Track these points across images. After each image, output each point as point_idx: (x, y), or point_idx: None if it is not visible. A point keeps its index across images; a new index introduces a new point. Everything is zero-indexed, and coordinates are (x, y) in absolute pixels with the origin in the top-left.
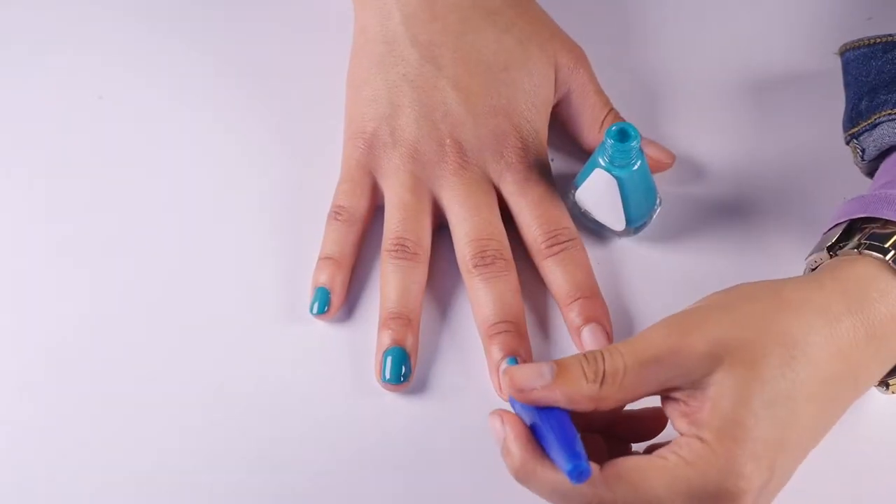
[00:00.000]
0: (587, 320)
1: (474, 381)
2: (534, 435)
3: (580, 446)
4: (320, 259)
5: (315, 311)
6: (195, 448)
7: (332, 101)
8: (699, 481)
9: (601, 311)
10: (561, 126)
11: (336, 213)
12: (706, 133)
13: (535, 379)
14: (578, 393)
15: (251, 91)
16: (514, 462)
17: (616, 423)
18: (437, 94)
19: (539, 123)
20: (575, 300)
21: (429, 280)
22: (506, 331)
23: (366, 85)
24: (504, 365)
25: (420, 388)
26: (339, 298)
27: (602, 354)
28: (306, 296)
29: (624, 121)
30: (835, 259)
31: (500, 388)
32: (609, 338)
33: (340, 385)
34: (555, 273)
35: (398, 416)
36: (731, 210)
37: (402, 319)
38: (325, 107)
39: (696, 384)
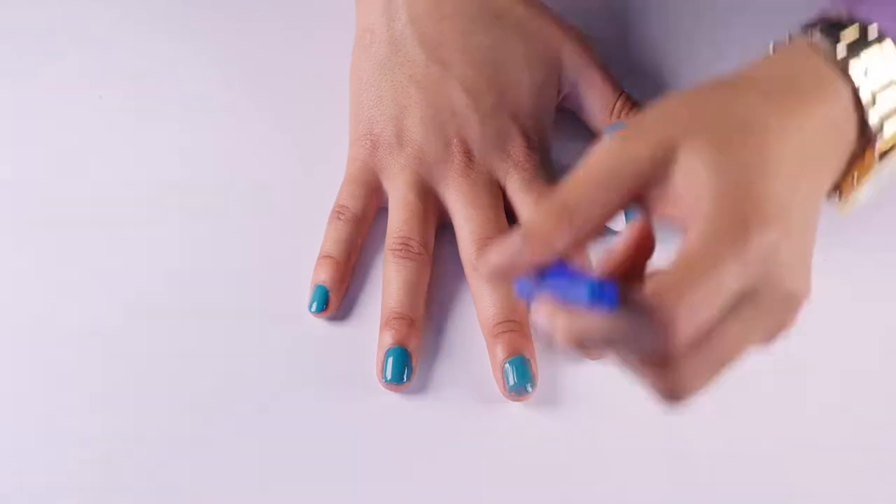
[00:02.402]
0: None
1: (477, 381)
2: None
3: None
4: (320, 257)
5: (314, 309)
6: (194, 446)
7: (335, 101)
8: (727, 221)
9: None
10: (574, 116)
11: (339, 212)
12: None
13: (509, 249)
14: (553, 233)
15: (252, 91)
16: (566, 329)
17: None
18: (444, 95)
19: (543, 123)
20: None
21: (430, 279)
22: (511, 330)
23: (371, 87)
24: (507, 366)
25: (422, 389)
26: (338, 297)
27: (556, 192)
28: (306, 295)
29: (635, 102)
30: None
31: (504, 387)
32: None
33: (340, 384)
34: None
35: (399, 417)
36: None
37: (404, 320)
38: (328, 106)
39: (661, 178)
